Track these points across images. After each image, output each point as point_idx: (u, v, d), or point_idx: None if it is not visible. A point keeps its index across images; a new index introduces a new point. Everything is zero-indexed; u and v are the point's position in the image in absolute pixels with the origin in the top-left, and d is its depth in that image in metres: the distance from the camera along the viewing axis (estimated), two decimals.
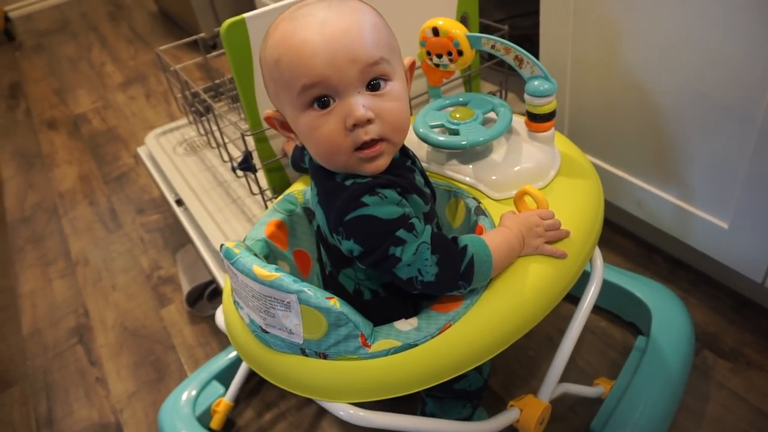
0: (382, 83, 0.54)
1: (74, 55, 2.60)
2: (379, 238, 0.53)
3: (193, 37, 1.22)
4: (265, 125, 0.82)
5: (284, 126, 0.61)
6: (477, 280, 0.55)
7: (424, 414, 0.79)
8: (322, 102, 0.53)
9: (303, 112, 0.55)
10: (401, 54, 0.59)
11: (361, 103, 0.53)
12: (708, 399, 0.85)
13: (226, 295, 0.68)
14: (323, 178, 0.59)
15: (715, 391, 0.86)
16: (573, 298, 0.71)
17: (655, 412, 0.78)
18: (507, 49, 0.69)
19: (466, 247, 0.55)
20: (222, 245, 0.61)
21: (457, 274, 0.54)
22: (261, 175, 0.90)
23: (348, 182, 0.56)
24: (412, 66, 0.62)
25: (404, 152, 0.64)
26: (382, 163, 0.56)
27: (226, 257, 0.59)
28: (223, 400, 0.91)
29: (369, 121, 0.53)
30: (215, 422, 0.90)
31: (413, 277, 0.54)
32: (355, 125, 0.53)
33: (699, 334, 0.93)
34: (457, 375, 0.57)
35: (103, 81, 2.29)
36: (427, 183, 0.66)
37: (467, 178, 0.72)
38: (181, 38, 2.43)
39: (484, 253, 0.55)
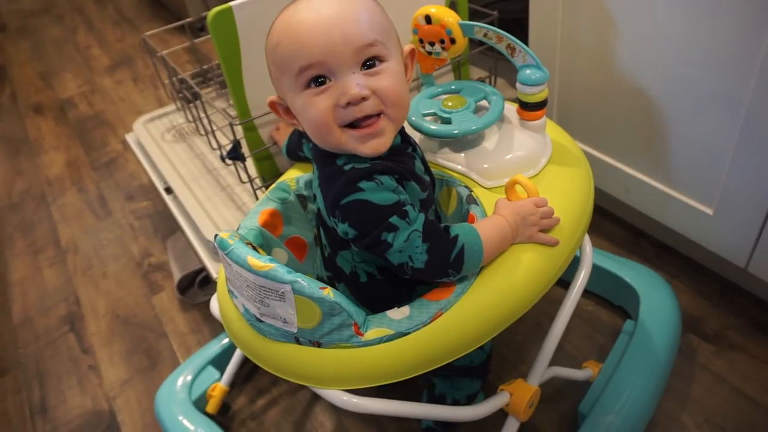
0: (377, 62, 0.56)
1: (60, 38, 2.56)
2: (372, 223, 0.55)
3: (180, 22, 1.20)
4: (253, 113, 0.82)
5: (287, 112, 0.62)
6: (466, 268, 0.57)
7: (433, 396, 0.81)
8: (318, 81, 0.55)
9: (300, 93, 0.56)
10: (399, 41, 0.60)
11: (355, 82, 0.54)
12: (692, 381, 0.87)
13: (221, 285, 0.69)
14: (324, 162, 0.60)
15: (698, 373, 0.88)
16: (561, 282, 0.72)
17: (641, 395, 0.80)
18: (499, 38, 0.70)
19: (457, 236, 0.56)
20: (216, 235, 0.62)
21: (447, 263, 0.55)
22: (250, 163, 0.89)
23: (347, 167, 0.57)
24: (413, 53, 0.63)
25: (406, 139, 0.65)
26: (382, 142, 0.57)
27: (221, 247, 0.60)
28: (218, 384, 0.92)
29: (364, 99, 0.54)
30: (211, 406, 0.91)
31: (404, 263, 0.55)
32: (349, 103, 0.54)
33: (684, 317, 0.94)
34: (448, 362, 0.58)
35: (89, 64, 2.26)
36: (428, 170, 0.67)
37: (459, 167, 0.72)
38: (168, 20, 2.40)
39: (475, 242, 0.56)
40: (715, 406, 0.84)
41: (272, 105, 0.63)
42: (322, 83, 0.55)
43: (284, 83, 0.57)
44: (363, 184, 0.55)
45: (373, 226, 0.55)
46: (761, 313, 0.94)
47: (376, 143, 0.56)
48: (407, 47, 0.62)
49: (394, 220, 0.54)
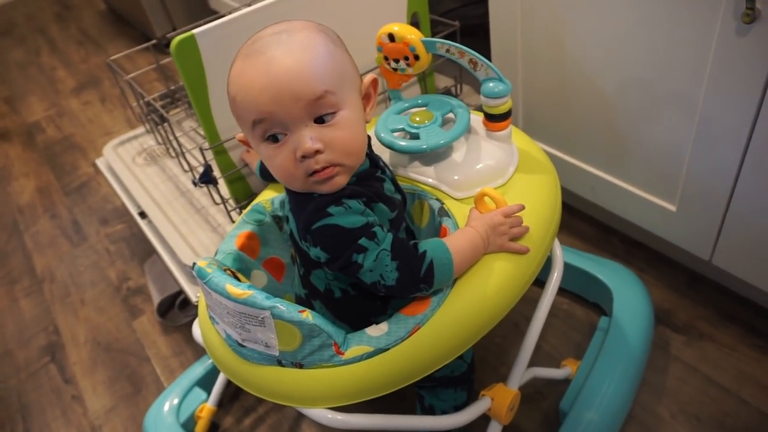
0: (329, 116, 0.57)
1: (23, 60, 2.52)
2: (342, 245, 0.57)
3: (144, 45, 1.20)
4: (223, 136, 0.83)
5: None
6: (438, 282, 0.58)
7: (423, 407, 0.82)
8: (273, 137, 0.57)
9: (259, 144, 0.58)
10: (356, 76, 0.60)
11: (308, 136, 0.55)
12: (665, 373, 0.90)
13: (201, 311, 0.69)
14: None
15: (671, 364, 0.91)
16: (537, 281, 0.74)
17: (619, 390, 0.83)
18: (461, 53, 0.71)
19: (425, 252, 0.58)
20: (194, 264, 0.62)
21: (418, 278, 0.57)
22: (223, 184, 0.90)
23: (315, 194, 0.59)
24: (375, 83, 0.64)
25: (374, 162, 0.66)
26: (338, 182, 0.58)
27: (199, 276, 0.61)
28: (206, 405, 0.93)
29: (318, 152, 0.56)
30: (200, 428, 0.92)
31: (376, 281, 0.57)
32: (305, 157, 0.56)
33: (655, 310, 0.97)
34: (428, 374, 0.60)
35: (54, 86, 2.23)
36: (398, 189, 0.69)
37: (430, 180, 0.74)
38: (132, 37, 2.38)
39: (444, 256, 0.58)
40: (689, 396, 0.87)
41: (242, 141, 0.66)
42: (276, 139, 0.57)
43: (244, 131, 0.60)
44: (332, 209, 0.57)
45: (343, 249, 0.56)
46: (727, 302, 0.97)
47: (332, 185, 0.58)
48: (368, 78, 0.63)
49: (362, 241, 0.56)
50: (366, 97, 0.63)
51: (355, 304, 0.66)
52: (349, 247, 0.56)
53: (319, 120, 0.56)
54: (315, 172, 0.57)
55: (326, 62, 0.56)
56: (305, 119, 0.55)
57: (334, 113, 0.57)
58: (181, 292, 1.13)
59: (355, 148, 0.59)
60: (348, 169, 0.59)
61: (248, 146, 0.65)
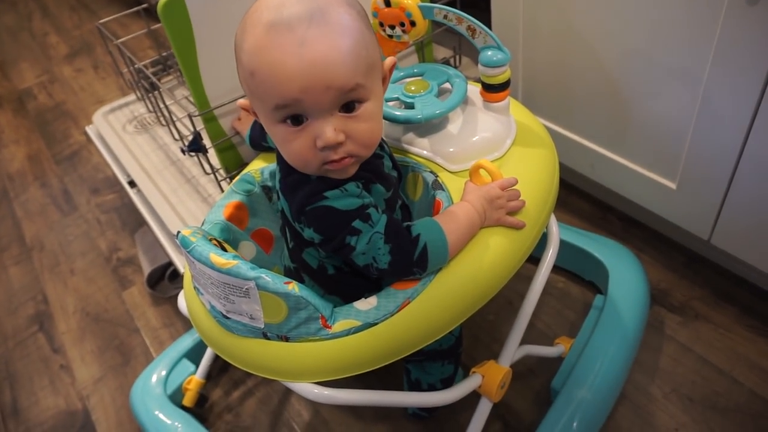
0: (356, 105, 0.54)
1: (14, 25, 2.46)
2: (336, 228, 0.56)
3: (135, 9, 1.16)
4: (212, 103, 0.81)
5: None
6: (432, 265, 0.57)
7: (410, 381, 0.81)
8: (295, 119, 0.53)
9: (275, 125, 0.54)
10: (380, 61, 0.57)
11: (332, 127, 0.52)
12: (659, 352, 0.89)
13: (187, 282, 0.68)
14: (289, 169, 0.59)
15: (665, 344, 0.90)
16: (532, 258, 0.73)
17: (612, 368, 0.82)
18: (459, 19, 0.69)
19: (419, 236, 0.56)
20: (178, 233, 0.60)
21: (411, 262, 0.56)
22: (213, 153, 0.88)
23: (313, 176, 0.57)
24: (393, 66, 0.61)
25: None
26: (351, 171, 0.57)
27: (183, 245, 0.59)
28: (194, 377, 0.92)
29: (339, 144, 0.53)
30: (188, 399, 0.91)
31: (369, 264, 0.56)
32: (325, 147, 0.53)
33: (651, 290, 0.96)
34: (417, 349, 0.59)
35: (47, 53, 2.18)
36: (395, 166, 0.67)
37: (425, 152, 0.72)
38: (127, 3, 2.32)
39: (439, 239, 0.57)
40: (682, 376, 0.86)
41: (245, 107, 0.61)
42: (299, 122, 0.53)
43: (257, 106, 0.56)
44: (328, 193, 0.56)
45: (337, 231, 0.55)
46: (725, 283, 0.96)
47: (344, 173, 0.57)
48: (388, 61, 0.60)
49: (356, 223, 0.55)
50: (382, 81, 0.59)
51: (348, 281, 0.65)
52: (342, 229, 0.55)
53: (345, 108, 0.53)
54: (331, 161, 0.54)
55: (361, 50, 0.52)
56: (332, 108, 0.52)
57: (361, 104, 0.54)
58: (171, 263, 1.12)
59: (374, 141, 0.57)
60: (362, 159, 0.57)
61: (249, 112, 0.61)
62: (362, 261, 0.56)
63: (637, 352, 0.87)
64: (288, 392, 0.94)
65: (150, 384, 0.92)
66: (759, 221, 0.79)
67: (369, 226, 0.55)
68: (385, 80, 0.60)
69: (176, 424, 0.87)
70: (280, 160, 0.61)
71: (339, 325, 0.56)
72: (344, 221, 0.55)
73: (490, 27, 1.02)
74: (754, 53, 0.68)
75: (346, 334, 0.56)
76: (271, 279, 0.54)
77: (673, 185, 0.87)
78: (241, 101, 0.60)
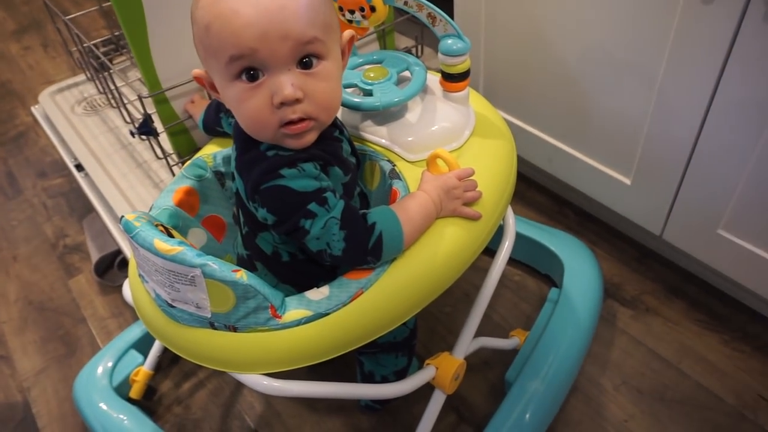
0: (314, 60, 0.53)
1: None
2: (291, 209, 0.54)
3: None
4: (164, 85, 0.77)
5: (213, 87, 0.58)
6: (386, 255, 0.56)
7: (363, 373, 0.80)
8: (251, 75, 0.52)
9: (231, 83, 0.53)
10: (339, 30, 0.57)
11: (289, 82, 0.51)
12: (611, 345, 0.91)
13: (132, 269, 0.65)
14: (246, 145, 0.57)
15: (617, 337, 0.92)
16: (489, 250, 0.73)
17: (565, 361, 0.82)
18: (420, 6, 0.68)
19: (374, 224, 0.55)
20: (122, 217, 0.58)
21: (365, 250, 0.55)
22: (165, 138, 0.85)
23: (270, 153, 0.55)
24: (352, 40, 0.60)
25: (333, 122, 0.62)
26: (309, 139, 0.55)
27: (126, 230, 0.56)
28: (141, 368, 0.88)
29: (297, 101, 0.52)
30: (135, 391, 0.88)
31: (323, 249, 0.55)
32: (283, 103, 0.52)
33: (604, 283, 0.98)
34: (371, 340, 0.57)
35: None
36: (354, 152, 0.65)
37: (383, 140, 0.70)
38: None
39: (395, 228, 0.56)
40: (632, 368, 0.88)
41: (198, 79, 0.59)
42: (255, 77, 0.52)
43: (212, 66, 0.54)
44: (284, 171, 0.54)
45: (291, 213, 0.54)
46: (675, 278, 0.99)
47: (302, 141, 0.55)
48: (346, 33, 0.59)
49: (312, 206, 0.53)
50: (341, 54, 0.58)
51: (303, 269, 0.63)
52: (297, 211, 0.53)
53: (303, 65, 0.52)
54: (289, 123, 0.53)
55: (318, 5, 0.52)
56: (289, 62, 0.51)
57: (319, 60, 0.53)
58: (120, 250, 1.08)
59: (333, 103, 0.56)
60: (320, 125, 0.56)
61: (204, 86, 0.59)
62: (315, 246, 0.55)
63: (590, 345, 0.88)
64: (240, 384, 0.92)
65: (95, 375, 0.89)
66: (709, 218, 0.80)
67: (325, 210, 0.54)
68: (344, 54, 0.59)
69: (121, 416, 0.84)
70: (237, 137, 0.59)
71: (289, 315, 0.55)
72: (299, 203, 0.53)
73: (452, 18, 1.01)
74: (708, 51, 0.69)
75: (297, 324, 0.55)
76: (218, 266, 0.52)
77: (627, 181, 0.88)
78: (195, 71, 0.58)
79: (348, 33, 0.60)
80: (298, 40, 0.50)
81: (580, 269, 0.93)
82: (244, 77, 0.52)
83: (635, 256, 1.03)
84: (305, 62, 0.52)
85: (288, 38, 0.50)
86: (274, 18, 0.49)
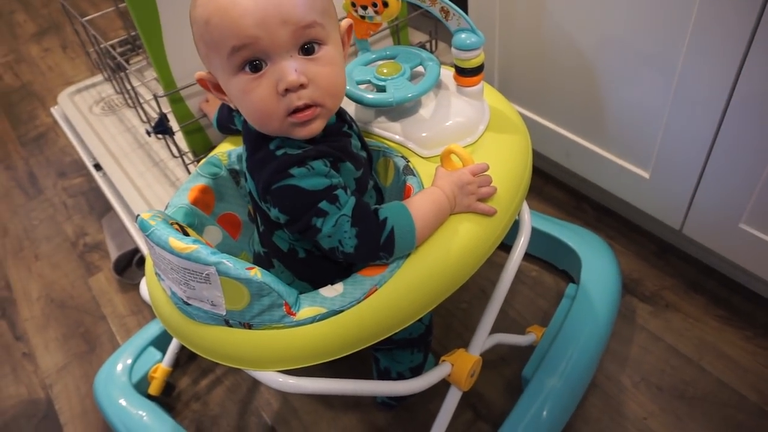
0: (315, 46, 0.53)
1: None
2: (302, 208, 0.54)
3: None
4: (179, 84, 0.78)
5: (217, 88, 0.58)
6: (399, 250, 0.56)
7: (378, 369, 0.80)
8: (254, 65, 0.52)
9: (234, 76, 0.53)
10: (337, 18, 0.57)
11: (293, 68, 0.51)
12: (630, 342, 0.90)
13: (149, 267, 0.66)
14: (256, 145, 0.58)
15: (636, 333, 0.91)
16: (506, 246, 0.72)
17: (583, 357, 0.81)
18: (433, 1, 0.67)
19: (386, 219, 0.55)
20: (137, 216, 0.58)
21: (377, 247, 0.55)
22: (181, 136, 0.85)
23: (279, 152, 0.55)
24: (350, 29, 0.60)
25: (341, 116, 0.63)
26: (316, 127, 0.55)
27: (142, 229, 0.57)
28: (160, 365, 0.90)
29: (302, 86, 0.52)
30: (153, 388, 0.89)
31: (335, 247, 0.55)
32: (287, 90, 0.52)
33: (623, 279, 0.96)
34: (385, 337, 0.57)
35: (13, 31, 2.11)
36: (364, 146, 0.65)
37: (396, 136, 0.70)
38: None
39: (406, 223, 0.55)
40: (651, 365, 0.86)
41: (201, 82, 0.59)
42: (258, 68, 0.52)
43: (215, 62, 0.54)
44: (294, 170, 0.54)
45: (303, 212, 0.54)
46: (695, 273, 0.97)
47: (310, 129, 0.55)
48: (344, 22, 0.59)
49: (323, 205, 0.53)
50: (342, 42, 0.58)
51: (319, 265, 0.63)
52: (308, 210, 0.53)
53: (305, 50, 0.52)
54: (296, 111, 0.53)
55: None
56: (290, 48, 0.51)
57: (320, 45, 0.53)
58: (138, 249, 1.09)
59: (338, 88, 0.56)
60: (327, 112, 0.56)
61: (207, 88, 0.59)
62: (327, 244, 0.55)
63: (608, 341, 0.87)
64: (257, 381, 0.91)
65: (114, 372, 0.90)
66: (729, 211, 0.79)
67: (336, 208, 0.54)
68: (344, 43, 0.59)
69: (141, 413, 0.84)
70: (246, 137, 0.59)
71: (304, 312, 0.55)
72: (310, 202, 0.53)
73: (466, 12, 1.01)
74: (729, 39, 0.67)
75: (311, 322, 0.55)
76: (232, 264, 0.52)
77: (646, 175, 0.87)
78: (198, 73, 0.58)
79: (346, 22, 0.60)
80: (297, 24, 0.50)
81: (598, 265, 0.92)
82: (247, 68, 0.52)
83: (654, 251, 1.01)
84: (307, 48, 0.52)
85: (288, 23, 0.50)
86: (272, 3, 0.49)
